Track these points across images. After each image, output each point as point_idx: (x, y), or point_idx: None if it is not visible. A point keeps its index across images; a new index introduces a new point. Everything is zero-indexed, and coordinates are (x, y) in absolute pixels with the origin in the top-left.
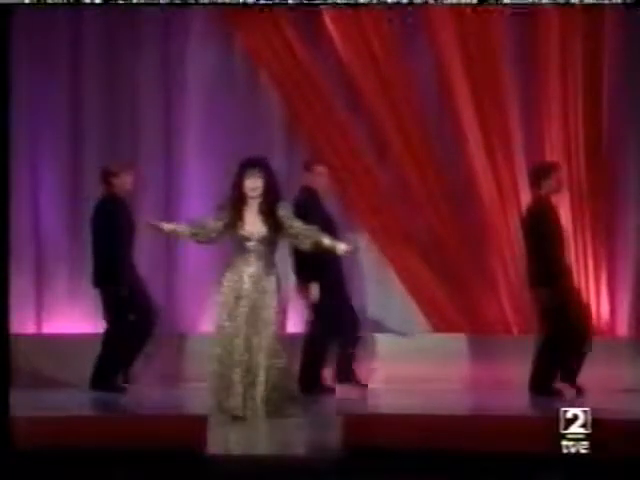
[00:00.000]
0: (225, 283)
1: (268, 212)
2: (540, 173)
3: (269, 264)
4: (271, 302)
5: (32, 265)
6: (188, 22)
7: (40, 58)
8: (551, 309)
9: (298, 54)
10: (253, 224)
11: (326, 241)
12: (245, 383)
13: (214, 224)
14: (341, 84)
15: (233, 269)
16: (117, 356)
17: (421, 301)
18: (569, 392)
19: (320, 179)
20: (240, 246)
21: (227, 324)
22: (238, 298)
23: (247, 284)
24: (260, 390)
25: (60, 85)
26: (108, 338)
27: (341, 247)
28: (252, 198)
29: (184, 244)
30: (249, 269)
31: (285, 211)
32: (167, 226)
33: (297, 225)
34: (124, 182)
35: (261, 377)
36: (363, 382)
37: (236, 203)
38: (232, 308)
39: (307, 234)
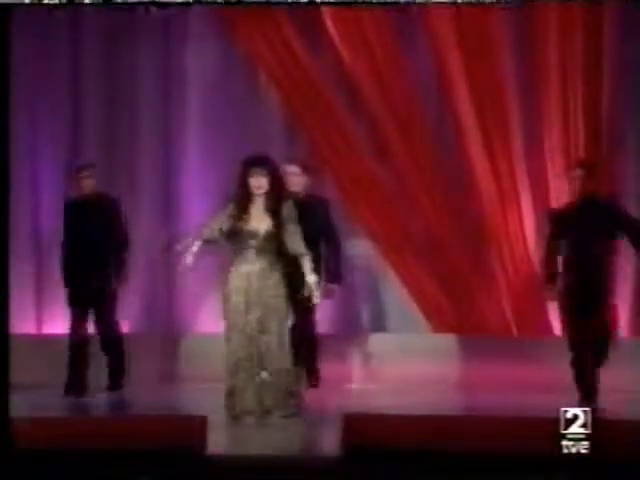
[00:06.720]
0: (230, 282)
1: (274, 209)
2: (592, 167)
3: (272, 261)
4: (276, 297)
5: (32, 265)
6: (188, 22)
7: (40, 58)
8: None
9: (298, 54)
10: (259, 220)
11: (306, 266)
12: (251, 381)
13: (219, 218)
14: (341, 84)
15: (237, 268)
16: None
17: (421, 301)
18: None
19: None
20: (242, 244)
21: (234, 323)
22: (245, 297)
23: (252, 282)
24: (264, 387)
25: (60, 85)
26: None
27: (311, 280)
28: (258, 195)
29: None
30: (252, 267)
31: (288, 210)
32: (180, 246)
33: (291, 231)
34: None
35: (266, 374)
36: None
37: (242, 200)
38: (239, 307)
39: (293, 246)
